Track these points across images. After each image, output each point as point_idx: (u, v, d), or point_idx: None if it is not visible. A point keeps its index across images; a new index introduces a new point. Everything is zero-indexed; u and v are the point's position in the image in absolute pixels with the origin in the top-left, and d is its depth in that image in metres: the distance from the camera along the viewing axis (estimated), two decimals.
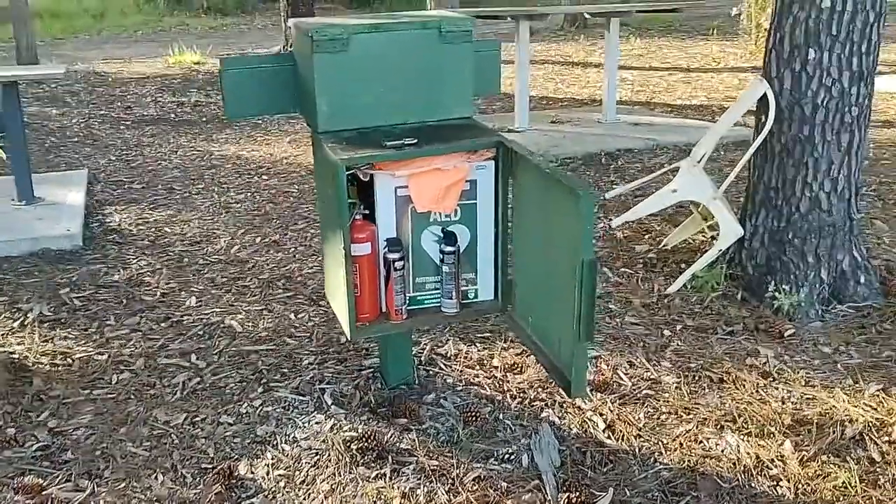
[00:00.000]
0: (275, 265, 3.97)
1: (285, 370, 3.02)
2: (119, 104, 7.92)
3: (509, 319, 2.53)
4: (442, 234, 2.43)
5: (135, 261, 4.04)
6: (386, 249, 2.38)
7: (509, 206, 2.45)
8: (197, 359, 3.14)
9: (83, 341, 3.27)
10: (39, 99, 8.08)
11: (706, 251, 3.68)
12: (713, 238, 3.67)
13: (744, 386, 2.85)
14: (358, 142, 2.34)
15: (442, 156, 2.31)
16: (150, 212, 4.75)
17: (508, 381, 2.89)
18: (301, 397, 2.84)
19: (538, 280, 2.31)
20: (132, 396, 2.89)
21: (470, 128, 2.48)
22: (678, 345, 3.14)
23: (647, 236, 4.03)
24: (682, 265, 3.74)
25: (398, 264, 2.37)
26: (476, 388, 2.86)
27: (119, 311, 3.52)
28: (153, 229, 4.47)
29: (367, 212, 2.37)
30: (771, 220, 3.40)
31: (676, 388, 2.86)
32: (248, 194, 5.04)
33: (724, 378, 2.90)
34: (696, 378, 2.91)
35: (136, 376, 3.02)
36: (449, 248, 2.40)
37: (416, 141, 2.30)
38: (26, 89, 8.44)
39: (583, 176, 4.99)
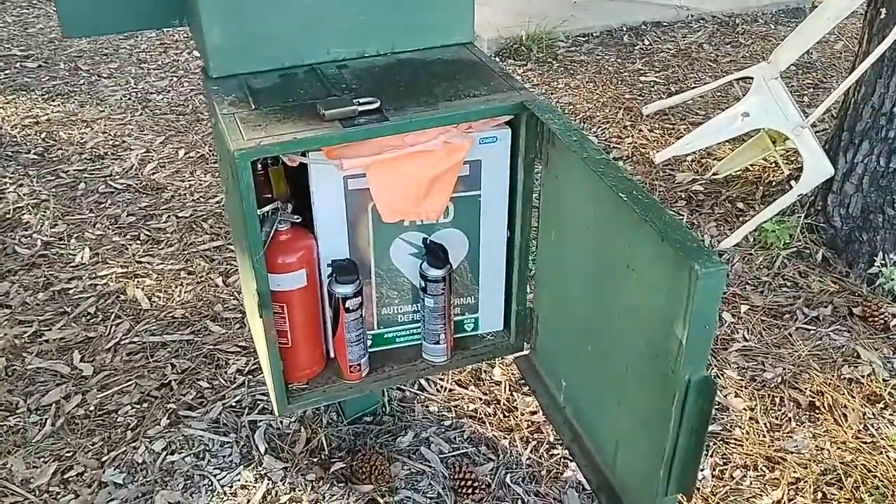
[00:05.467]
0: (200, 195, 3.00)
1: (203, 383, 2.16)
2: None
3: (525, 365, 1.65)
4: (424, 247, 1.50)
5: (13, 187, 3.04)
6: (332, 279, 1.45)
7: (534, 194, 1.50)
8: (82, 359, 2.25)
9: None
10: None
11: (772, 185, 2.78)
12: (790, 176, 2.73)
13: (845, 416, 2.04)
14: (276, 100, 1.35)
15: (426, 130, 1.34)
16: (44, 105, 3.67)
17: (517, 411, 2.05)
18: (222, 437, 1.99)
19: (580, 329, 1.41)
20: None
21: (470, 67, 1.48)
22: (745, 339, 2.29)
23: (689, 158, 3.08)
24: (740, 204, 2.83)
25: (352, 303, 1.45)
26: (471, 422, 2.02)
27: None
28: (45, 135, 3.42)
29: (297, 218, 1.42)
30: (876, 158, 2.46)
31: (751, 419, 2.04)
32: (174, 80, 3.94)
33: (816, 402, 2.08)
34: (777, 400, 2.09)
35: None
36: (435, 273, 1.48)
37: (377, 104, 1.32)
38: None
39: (602, 61, 3.92)
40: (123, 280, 2.56)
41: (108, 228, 2.82)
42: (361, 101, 1.31)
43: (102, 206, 2.94)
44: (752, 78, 2.53)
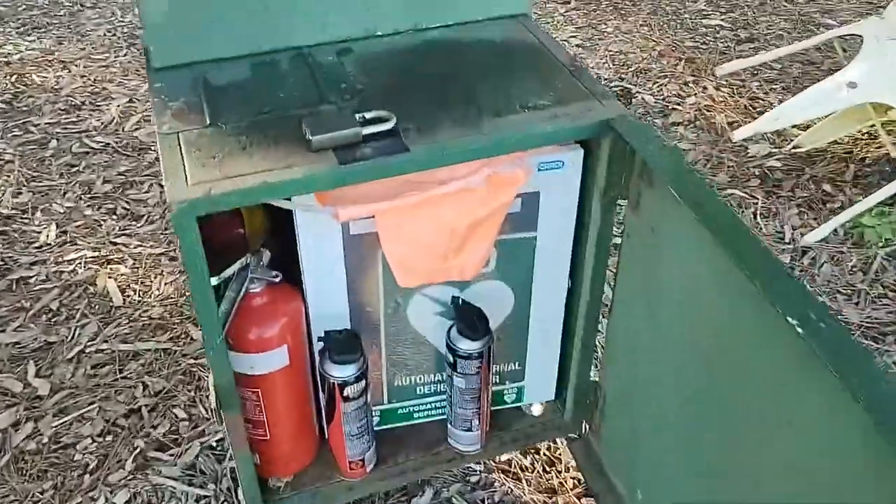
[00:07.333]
0: None
1: (178, 411, 1.77)
2: None
3: (584, 453, 1.24)
4: (454, 307, 1.08)
5: None
6: (325, 356, 1.04)
7: (612, 240, 1.07)
8: (37, 373, 1.87)
9: None
10: None
11: (866, 162, 2.31)
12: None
13: None
14: (243, 110, 0.91)
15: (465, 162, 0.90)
16: (18, 40, 3.22)
17: (559, 464, 1.65)
18: (199, 490, 1.62)
19: (671, 426, 1.00)
20: None
21: (526, 54, 1.03)
22: None
23: None
24: (826, 185, 2.37)
25: (352, 390, 1.04)
26: (504, 478, 1.63)
27: None
28: (16, 77, 2.98)
29: (277, 276, 1.00)
30: None
31: None
32: None
33: None
34: None
35: None
36: (468, 346, 1.06)
37: (392, 122, 0.88)
38: None
39: (658, 0, 3.38)
40: (93, 267, 2.16)
41: (80, 199, 2.40)
42: (367, 116, 0.87)
43: (75, 169, 2.52)
44: (860, 36, 2.03)
